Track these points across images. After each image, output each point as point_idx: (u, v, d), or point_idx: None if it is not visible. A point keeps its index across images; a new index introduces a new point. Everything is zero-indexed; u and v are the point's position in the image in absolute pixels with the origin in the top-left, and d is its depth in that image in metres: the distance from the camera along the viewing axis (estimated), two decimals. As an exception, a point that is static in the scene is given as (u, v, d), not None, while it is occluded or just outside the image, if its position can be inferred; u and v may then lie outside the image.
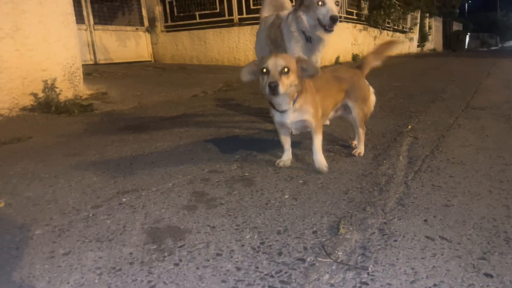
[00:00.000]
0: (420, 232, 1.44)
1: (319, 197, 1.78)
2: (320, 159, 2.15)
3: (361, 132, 2.43)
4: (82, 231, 1.48)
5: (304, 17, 2.91)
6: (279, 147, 2.31)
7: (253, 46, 10.17)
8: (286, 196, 1.79)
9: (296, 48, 3.04)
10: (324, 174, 2.08)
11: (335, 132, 2.94)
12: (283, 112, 2.04)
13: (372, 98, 2.43)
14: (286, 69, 1.88)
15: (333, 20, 2.80)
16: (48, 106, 4.23)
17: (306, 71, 1.96)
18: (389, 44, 2.52)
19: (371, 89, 2.43)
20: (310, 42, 3.01)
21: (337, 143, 2.68)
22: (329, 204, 1.70)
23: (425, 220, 1.54)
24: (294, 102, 2.01)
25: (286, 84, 1.88)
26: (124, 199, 1.77)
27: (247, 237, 1.42)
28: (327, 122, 3.18)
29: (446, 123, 3.27)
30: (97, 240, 1.40)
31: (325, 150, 2.51)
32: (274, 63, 1.88)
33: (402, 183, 1.97)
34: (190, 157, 2.42)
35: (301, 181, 1.98)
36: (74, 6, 4.87)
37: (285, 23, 3.08)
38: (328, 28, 2.85)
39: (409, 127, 3.18)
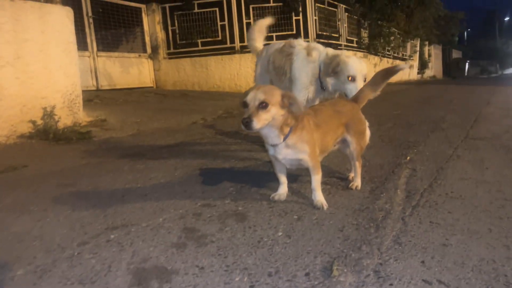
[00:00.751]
0: (417, 275, 1.39)
1: (313, 235, 1.73)
2: (319, 198, 2.10)
3: (358, 165, 2.39)
4: (65, 271, 1.43)
5: (330, 82, 2.99)
6: (275, 179, 2.27)
7: (254, 73, 10.30)
8: (280, 233, 1.74)
9: (306, 87, 3.12)
10: (320, 209, 2.03)
11: (332, 164, 2.90)
12: (274, 146, 2.01)
13: (368, 132, 2.41)
14: (264, 104, 1.82)
15: None
16: (46, 133, 4.22)
17: (292, 105, 1.92)
18: (388, 72, 2.43)
19: (367, 123, 2.41)
20: (323, 90, 3.11)
21: (334, 175, 2.64)
22: (323, 243, 1.65)
23: (422, 262, 1.48)
24: (286, 137, 1.98)
25: (264, 118, 1.83)
26: (112, 236, 1.72)
27: (237, 279, 1.37)
28: None
29: (445, 154, 3.23)
30: (80, 282, 1.35)
31: (322, 183, 2.46)
32: (253, 97, 1.84)
33: (399, 219, 1.92)
34: (184, 189, 2.38)
35: (296, 217, 1.93)
36: (78, 33, 4.95)
37: (301, 58, 3.11)
38: None
39: (408, 158, 3.14)
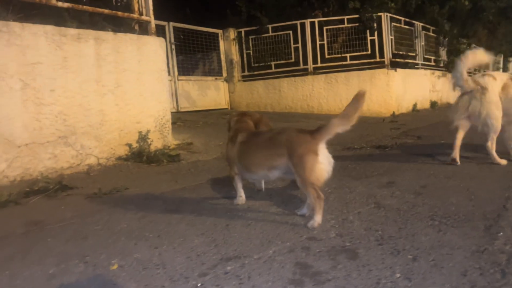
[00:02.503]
0: None
1: (435, 279, 1.63)
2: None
3: (312, 197, 2.24)
4: (194, 303, 1.48)
5: None
6: (378, 211, 2.20)
7: (327, 94, 10.26)
8: (398, 275, 1.67)
9: None
10: (434, 249, 1.92)
11: (434, 197, 2.75)
12: None
13: (319, 167, 2.22)
14: None
15: None
16: (140, 155, 4.50)
17: None
18: (356, 100, 2.25)
19: (319, 159, 2.22)
20: None
21: (440, 210, 2.49)
22: (448, 288, 1.55)
23: None
24: None
25: None
26: (228, 267, 1.76)
27: (366, 325, 1.32)
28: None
29: (562, 188, 2.93)
30: (212, 317, 1.39)
31: (428, 218, 2.35)
32: None
33: (526, 264, 1.75)
34: (285, 220, 2.38)
35: (410, 256, 1.84)
36: (163, 59, 5.25)
37: None
38: None
39: (517, 191, 2.89)
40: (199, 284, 1.62)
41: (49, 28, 3.91)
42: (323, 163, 2.23)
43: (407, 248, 1.94)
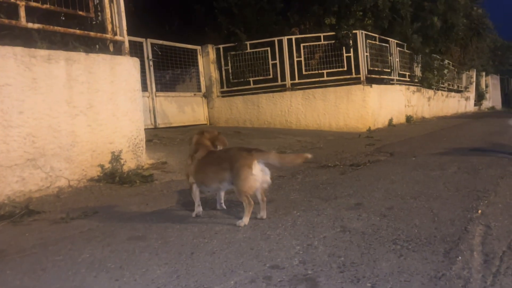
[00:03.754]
0: None
1: (390, 308, 1.66)
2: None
3: (244, 204, 2.75)
4: None
5: None
6: (343, 235, 2.23)
7: (305, 109, 10.36)
8: (355, 305, 1.69)
9: None
10: (394, 276, 1.95)
11: (398, 219, 2.81)
12: None
13: (249, 179, 2.68)
14: None
15: None
16: (112, 177, 4.45)
17: None
18: (298, 159, 2.98)
19: (252, 171, 2.68)
20: None
21: (403, 233, 2.54)
22: (402, 318, 1.58)
23: None
24: None
25: None
26: (187, 301, 1.76)
27: None
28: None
29: (521, 207, 3.02)
30: None
31: (391, 242, 2.39)
32: None
33: (481, 290, 1.80)
34: (250, 246, 2.39)
35: (369, 284, 1.87)
36: (139, 75, 5.23)
37: None
38: None
39: (479, 211, 2.97)
40: (155, 320, 1.61)
41: (18, 49, 3.87)
42: (256, 175, 2.69)
43: (367, 275, 1.96)
